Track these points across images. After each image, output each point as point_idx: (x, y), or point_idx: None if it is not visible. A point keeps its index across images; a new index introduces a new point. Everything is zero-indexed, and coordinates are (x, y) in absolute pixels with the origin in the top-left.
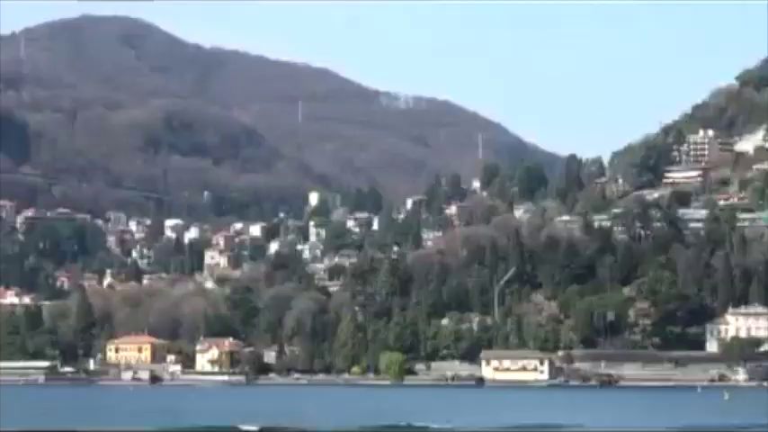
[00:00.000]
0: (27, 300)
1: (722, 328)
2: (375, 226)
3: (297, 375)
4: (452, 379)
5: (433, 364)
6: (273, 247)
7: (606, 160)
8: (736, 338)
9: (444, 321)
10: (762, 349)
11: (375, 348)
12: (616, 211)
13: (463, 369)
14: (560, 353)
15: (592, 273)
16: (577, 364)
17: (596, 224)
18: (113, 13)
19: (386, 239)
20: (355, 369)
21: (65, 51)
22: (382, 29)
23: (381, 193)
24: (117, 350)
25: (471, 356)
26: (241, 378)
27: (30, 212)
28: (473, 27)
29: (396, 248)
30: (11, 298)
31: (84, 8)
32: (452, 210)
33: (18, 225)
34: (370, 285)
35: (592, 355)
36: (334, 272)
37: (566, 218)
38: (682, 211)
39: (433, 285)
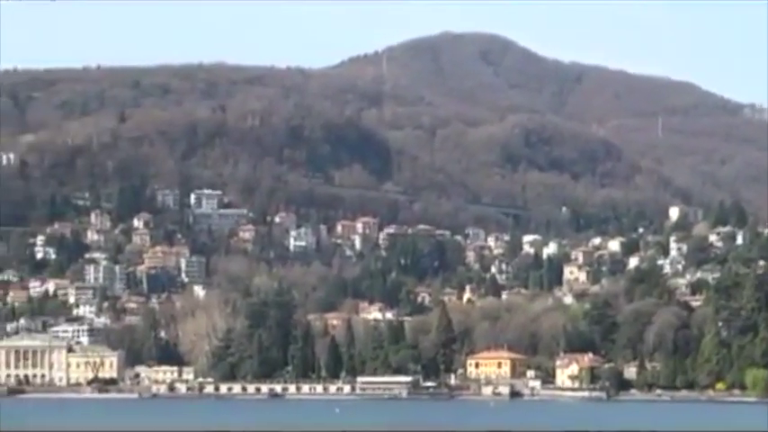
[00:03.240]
0: (389, 315)
1: None
2: (739, 240)
3: (659, 392)
4: None
5: None
6: (633, 261)
7: None
8: None
9: None
10: None
11: (740, 364)
12: None
13: None
14: None
15: None
16: None
17: None
18: (473, 30)
19: (750, 254)
20: (720, 385)
21: (425, 69)
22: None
23: (745, 207)
24: (477, 365)
25: None
26: (601, 394)
27: (391, 229)
28: None
29: (761, 263)
30: (374, 313)
31: (445, 26)
32: None
33: (381, 241)
34: (735, 300)
35: None
36: (696, 287)
37: None
38: None
39: None
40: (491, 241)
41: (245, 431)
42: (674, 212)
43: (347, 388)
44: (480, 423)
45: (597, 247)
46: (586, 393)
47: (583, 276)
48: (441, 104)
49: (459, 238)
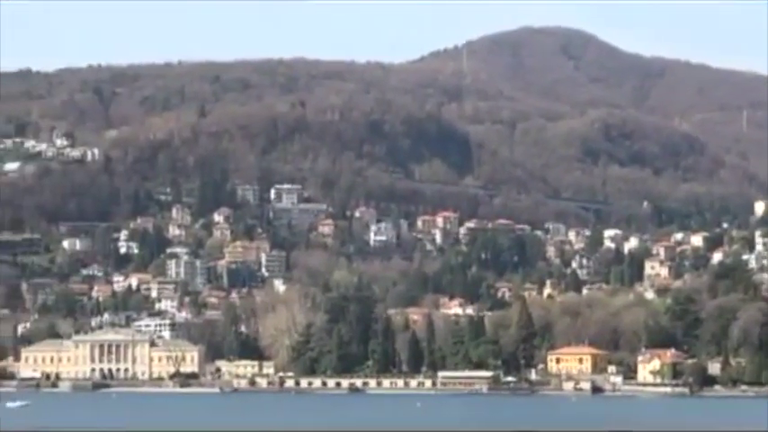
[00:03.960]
0: (470, 310)
1: None
2: None
3: (744, 387)
4: None
5: None
6: (716, 257)
7: None
8: None
9: None
10: None
11: None
12: None
13: None
14: None
15: None
16: None
17: None
18: (553, 24)
19: None
20: None
21: (505, 63)
22: None
23: None
24: (558, 360)
25: None
26: (684, 390)
27: (472, 223)
28: None
29: None
30: (455, 308)
31: (525, 20)
32: None
33: (461, 236)
34: None
35: None
36: None
37: None
38: None
39: None
40: (572, 236)
41: (330, 430)
42: (759, 207)
43: (428, 383)
44: (562, 419)
45: (679, 242)
46: (668, 389)
47: (664, 271)
48: (521, 99)
49: (539, 232)
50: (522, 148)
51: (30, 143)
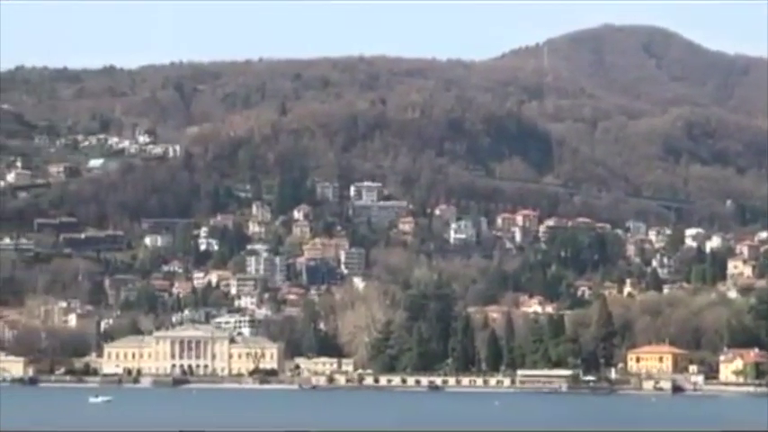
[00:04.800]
0: (549, 308)
1: None
2: None
3: None
4: None
5: None
6: None
7: None
8: None
9: None
10: None
11: None
12: None
13: None
14: None
15: None
16: None
17: None
18: (635, 23)
19: None
20: None
21: (586, 61)
22: None
23: None
24: (638, 359)
25: None
26: (767, 389)
27: (551, 221)
28: None
29: None
30: (534, 306)
31: (607, 18)
32: None
33: (541, 234)
34: None
35: None
36: None
37: None
38: None
39: None
40: (652, 235)
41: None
42: None
43: (507, 381)
44: (644, 418)
45: (763, 241)
46: (751, 389)
47: (748, 271)
48: (602, 97)
49: (619, 231)
50: (603, 146)
51: (113, 140)
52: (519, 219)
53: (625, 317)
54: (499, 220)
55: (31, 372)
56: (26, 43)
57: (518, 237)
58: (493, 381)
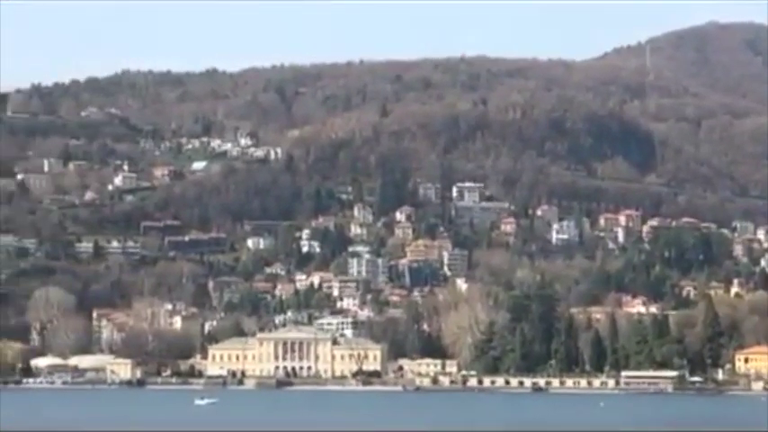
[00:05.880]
0: (653, 309)
1: None
2: None
3: None
4: None
5: None
6: None
7: None
8: None
9: None
10: None
11: None
12: None
13: None
14: None
15: None
16: None
17: None
18: (740, 20)
19: None
20: None
21: (689, 60)
22: None
23: None
24: (746, 360)
25: None
26: None
27: (655, 221)
28: None
29: None
30: (638, 307)
31: (711, 15)
32: None
33: (644, 234)
34: None
35: None
36: None
37: None
38: None
39: None
40: (760, 234)
41: (515, 429)
42: None
43: (611, 382)
44: (755, 419)
45: None
46: None
47: None
48: (706, 96)
49: (725, 231)
50: (708, 145)
51: (215, 142)
52: (622, 219)
53: (732, 317)
54: (602, 221)
55: (138, 374)
56: (130, 47)
57: (621, 237)
58: (597, 382)
